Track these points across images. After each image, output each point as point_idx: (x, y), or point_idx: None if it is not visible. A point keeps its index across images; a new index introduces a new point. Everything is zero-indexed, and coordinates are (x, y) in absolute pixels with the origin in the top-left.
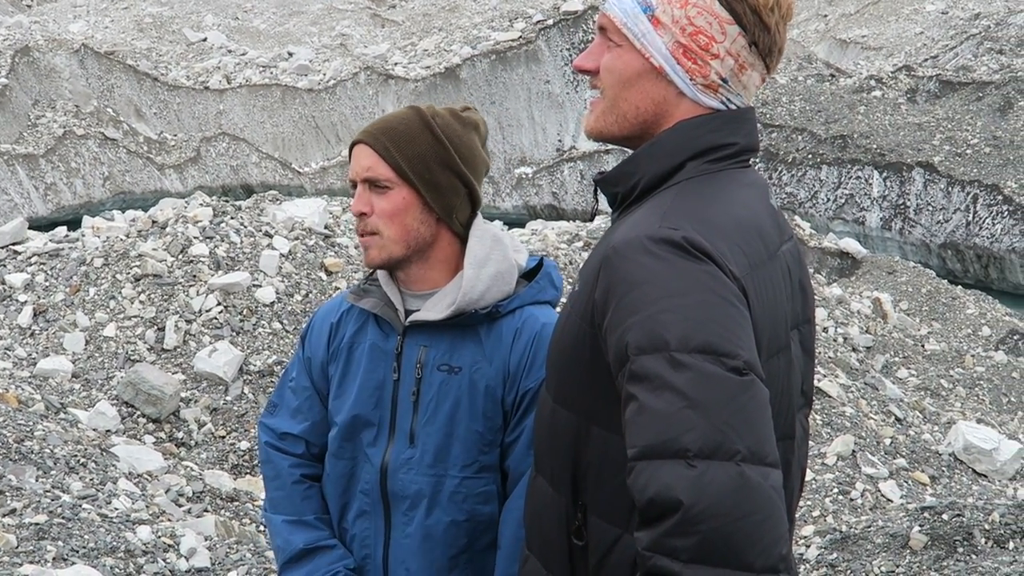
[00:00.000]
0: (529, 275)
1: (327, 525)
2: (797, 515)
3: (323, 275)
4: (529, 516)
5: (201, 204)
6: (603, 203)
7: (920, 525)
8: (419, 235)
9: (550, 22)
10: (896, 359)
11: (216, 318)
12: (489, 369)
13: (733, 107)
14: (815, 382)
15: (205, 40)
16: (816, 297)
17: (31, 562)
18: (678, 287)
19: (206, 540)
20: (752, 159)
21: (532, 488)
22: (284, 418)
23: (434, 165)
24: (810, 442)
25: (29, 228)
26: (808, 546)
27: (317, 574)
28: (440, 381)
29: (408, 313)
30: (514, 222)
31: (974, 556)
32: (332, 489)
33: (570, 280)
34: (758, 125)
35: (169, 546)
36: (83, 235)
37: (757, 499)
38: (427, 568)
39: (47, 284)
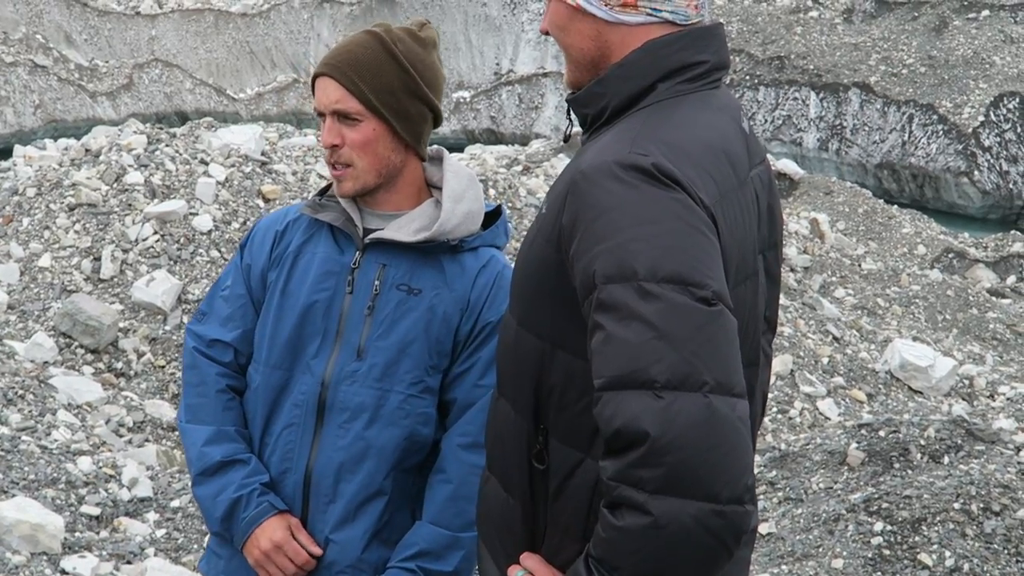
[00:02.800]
0: (486, 217)
1: (245, 440)
2: None
3: (260, 202)
4: (491, 439)
5: (135, 132)
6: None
7: (857, 442)
8: (391, 163)
9: None
10: (833, 279)
11: (153, 247)
12: (449, 296)
13: (666, 16)
14: None
15: None
16: None
17: None
18: (647, 215)
19: (148, 470)
20: (723, 77)
21: (494, 411)
22: (214, 325)
23: (402, 95)
24: None
25: None
26: None
27: (231, 487)
28: (398, 300)
29: (367, 231)
30: (452, 146)
31: (910, 471)
32: (258, 400)
33: (511, 206)
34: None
35: (111, 476)
36: (15, 164)
37: (724, 430)
38: (355, 481)
39: None
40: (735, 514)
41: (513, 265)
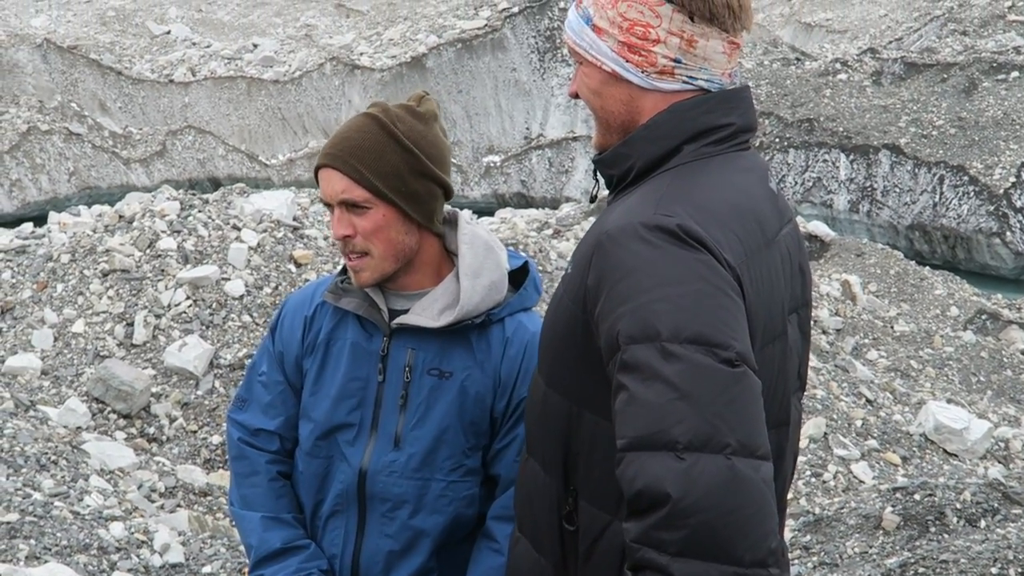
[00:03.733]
0: (512, 274)
1: (302, 524)
2: None
3: (292, 267)
4: (520, 499)
5: (168, 198)
6: (604, 186)
7: (892, 506)
8: (406, 246)
9: (515, 9)
10: (866, 341)
11: (185, 312)
12: (481, 376)
13: (701, 83)
14: None
15: (169, 33)
16: None
17: (3, 561)
18: (671, 276)
19: (180, 535)
20: (750, 140)
21: (524, 471)
22: (255, 413)
23: (408, 176)
24: None
25: None
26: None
27: (289, 570)
28: (431, 385)
29: (392, 313)
30: (483, 210)
31: (946, 535)
32: (304, 487)
33: (542, 269)
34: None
35: (143, 542)
36: (49, 231)
37: (747, 493)
38: (405, 567)
39: (14, 281)
40: None
41: (541, 326)
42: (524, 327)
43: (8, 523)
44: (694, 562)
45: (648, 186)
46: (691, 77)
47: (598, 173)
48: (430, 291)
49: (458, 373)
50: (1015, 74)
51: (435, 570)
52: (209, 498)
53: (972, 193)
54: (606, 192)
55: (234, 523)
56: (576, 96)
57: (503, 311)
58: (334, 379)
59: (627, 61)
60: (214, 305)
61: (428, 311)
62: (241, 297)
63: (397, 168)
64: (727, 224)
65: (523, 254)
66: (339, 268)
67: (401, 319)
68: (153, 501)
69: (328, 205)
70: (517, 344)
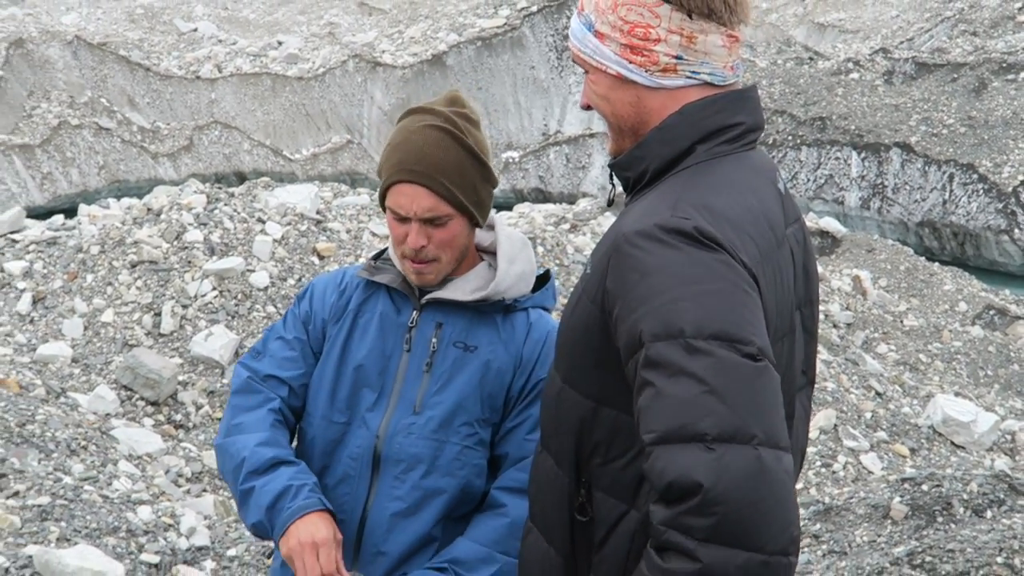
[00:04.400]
0: (536, 280)
1: (292, 451)
2: None
3: (315, 259)
4: (533, 491)
5: (195, 191)
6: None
7: (900, 496)
8: (467, 248)
9: (534, 8)
10: (876, 335)
11: (211, 303)
12: (504, 353)
13: (704, 78)
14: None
15: (196, 30)
16: None
17: (35, 542)
18: (692, 275)
19: (205, 519)
20: (758, 138)
21: (537, 464)
22: (269, 364)
23: (480, 186)
24: None
25: (27, 217)
26: None
27: (282, 478)
28: (455, 357)
29: (422, 292)
30: (501, 205)
31: (953, 525)
32: (313, 452)
33: (559, 263)
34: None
35: (169, 525)
36: (80, 223)
37: (772, 483)
38: (408, 531)
39: (45, 271)
40: (779, 565)
41: (559, 323)
42: (546, 319)
43: (40, 506)
44: (720, 548)
45: (663, 187)
46: (694, 72)
47: (613, 177)
48: (462, 276)
49: (483, 348)
50: None
51: (438, 539)
52: None
53: (981, 191)
54: (621, 192)
55: (217, 459)
56: (588, 107)
57: (528, 302)
58: (360, 348)
59: (630, 62)
60: (239, 296)
61: (461, 288)
62: (266, 288)
63: (474, 181)
64: (741, 226)
65: (543, 267)
66: (372, 255)
67: (434, 294)
68: (180, 486)
69: (401, 217)
70: (539, 330)
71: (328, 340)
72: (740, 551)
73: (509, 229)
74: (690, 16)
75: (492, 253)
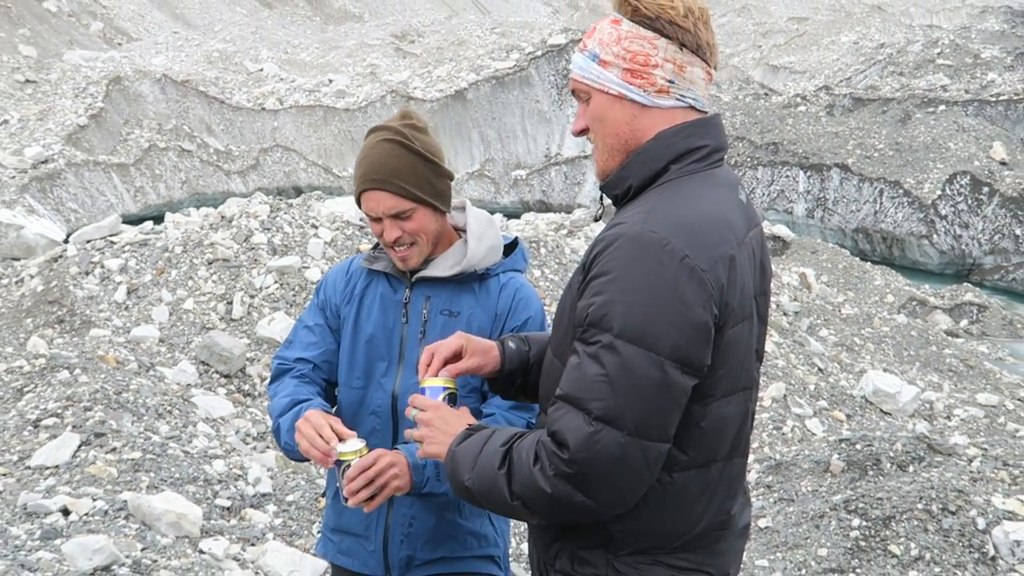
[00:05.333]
0: (506, 248)
1: (316, 395)
2: None
3: None
4: None
5: (260, 202)
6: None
7: (838, 454)
8: (437, 231)
9: (539, 53)
10: (818, 321)
11: (273, 293)
12: (482, 314)
13: (690, 101)
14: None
15: (262, 70)
16: None
17: (129, 489)
18: (637, 285)
19: (268, 471)
20: (723, 157)
21: (539, 424)
22: (297, 350)
23: (434, 180)
24: None
25: (122, 223)
26: (749, 471)
27: (294, 409)
28: (443, 322)
29: (412, 273)
30: (511, 214)
31: (881, 478)
32: (344, 413)
33: (558, 262)
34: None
35: (239, 476)
36: (166, 228)
37: (626, 467)
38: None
39: (138, 268)
40: (604, 513)
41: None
42: (515, 279)
43: (133, 460)
44: (568, 488)
45: (642, 200)
46: (682, 95)
47: (603, 197)
48: (442, 255)
49: (464, 312)
50: (942, 107)
51: None
52: None
53: (906, 203)
54: (608, 204)
55: (272, 432)
56: (581, 133)
57: (499, 268)
58: (367, 324)
59: (631, 84)
60: (296, 288)
61: (441, 266)
62: (317, 282)
63: (427, 177)
64: (704, 234)
65: (512, 235)
66: (372, 247)
67: (420, 273)
68: (247, 443)
69: (374, 218)
70: (509, 288)
71: (342, 320)
72: (581, 496)
73: (476, 210)
74: (682, 49)
75: (464, 230)
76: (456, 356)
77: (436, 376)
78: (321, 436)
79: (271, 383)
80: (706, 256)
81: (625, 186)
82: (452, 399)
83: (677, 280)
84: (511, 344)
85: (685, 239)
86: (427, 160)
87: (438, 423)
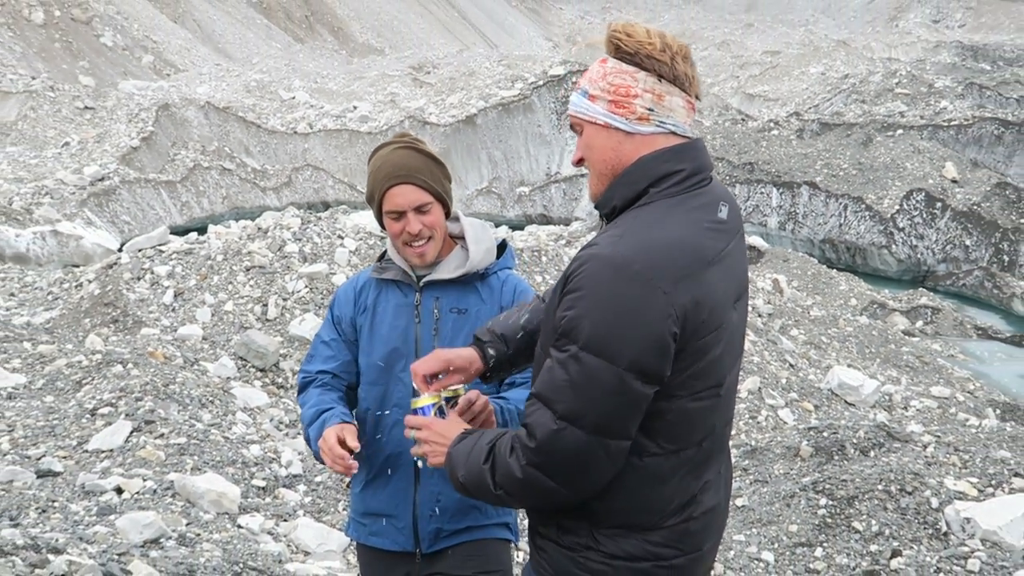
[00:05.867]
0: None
1: (339, 404)
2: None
3: None
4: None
5: (292, 215)
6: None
7: (807, 440)
8: (445, 232)
9: (540, 83)
10: (789, 322)
11: (304, 296)
12: (487, 309)
13: (670, 127)
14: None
15: (294, 98)
16: None
17: (175, 471)
18: (603, 303)
19: (299, 454)
20: (706, 177)
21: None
22: (318, 363)
23: (444, 182)
24: None
25: (170, 234)
26: None
27: (319, 420)
28: (453, 320)
29: (419, 278)
30: (515, 226)
31: (846, 462)
32: (368, 409)
33: (558, 269)
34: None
35: (273, 459)
36: (209, 238)
37: (587, 461)
38: None
39: (183, 273)
40: (570, 498)
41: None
42: (511, 275)
43: (179, 444)
44: (538, 475)
45: (618, 222)
46: (662, 122)
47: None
48: (444, 260)
49: (472, 309)
50: (900, 131)
51: None
52: None
53: (867, 217)
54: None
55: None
56: (579, 163)
57: (496, 267)
58: (383, 328)
59: (614, 113)
60: (324, 292)
61: (445, 269)
62: (333, 295)
63: (440, 177)
64: (669, 256)
65: (503, 236)
66: (377, 257)
67: (428, 277)
68: (280, 430)
69: (398, 214)
70: (509, 284)
71: (358, 329)
72: (549, 481)
73: (470, 219)
74: (660, 80)
75: (461, 238)
76: (443, 369)
77: (425, 395)
78: (340, 449)
79: (299, 394)
80: (670, 277)
81: (611, 206)
82: (442, 411)
83: (640, 299)
84: (491, 351)
85: (650, 261)
86: (439, 164)
87: (433, 437)
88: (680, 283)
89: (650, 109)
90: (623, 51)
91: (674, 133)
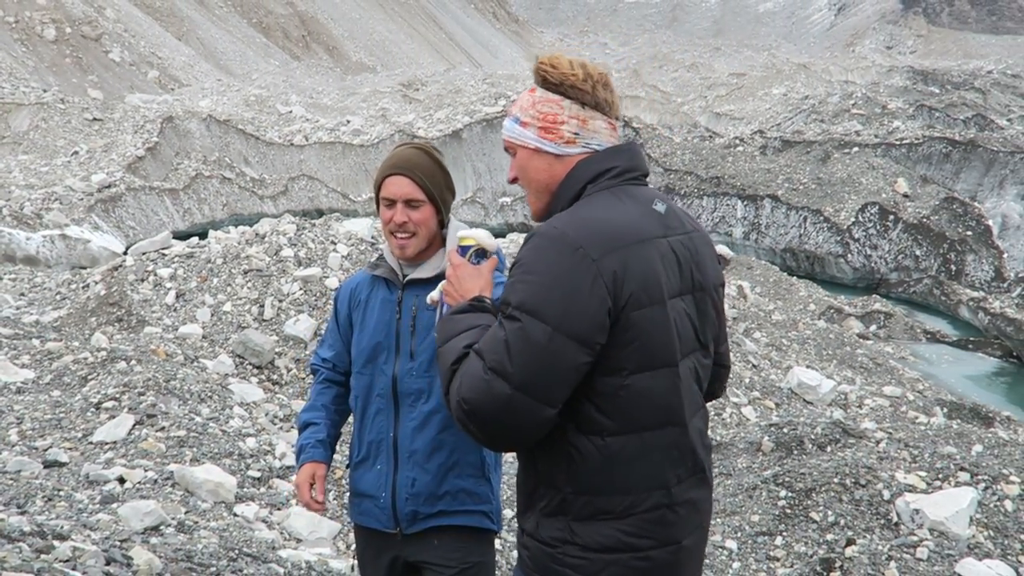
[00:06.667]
0: None
1: (327, 411)
2: None
3: None
4: None
5: (288, 222)
6: None
7: (768, 436)
8: (434, 233)
9: None
10: (752, 325)
11: (299, 298)
12: None
13: (595, 147)
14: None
15: (291, 112)
16: None
17: (175, 462)
18: (539, 269)
19: (293, 447)
20: (641, 176)
21: None
22: (324, 350)
23: (444, 189)
24: None
25: (173, 238)
26: None
27: (301, 440)
28: (429, 316)
29: (406, 276)
30: (498, 233)
31: (804, 456)
32: (357, 396)
33: None
34: (660, 168)
35: (267, 451)
36: (209, 243)
37: (510, 413)
38: (426, 440)
39: (185, 275)
40: (493, 448)
41: None
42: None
43: (178, 437)
44: (463, 417)
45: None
46: (587, 143)
47: None
48: (429, 260)
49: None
50: (855, 149)
51: (448, 443)
52: None
53: (825, 228)
54: None
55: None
56: (513, 181)
57: None
58: (371, 322)
59: (544, 138)
60: (318, 294)
61: (425, 269)
62: (336, 289)
63: (440, 183)
64: (600, 230)
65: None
66: (374, 258)
67: (410, 275)
68: (275, 424)
69: (390, 202)
70: None
71: (353, 323)
72: (472, 426)
73: (455, 222)
74: (583, 107)
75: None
76: None
77: (472, 231)
78: (307, 497)
79: (313, 376)
80: (599, 246)
81: (558, 209)
82: (477, 254)
83: (570, 264)
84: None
85: (581, 233)
86: (444, 170)
87: (455, 282)
88: (609, 253)
89: (576, 133)
90: (549, 82)
91: (598, 151)
